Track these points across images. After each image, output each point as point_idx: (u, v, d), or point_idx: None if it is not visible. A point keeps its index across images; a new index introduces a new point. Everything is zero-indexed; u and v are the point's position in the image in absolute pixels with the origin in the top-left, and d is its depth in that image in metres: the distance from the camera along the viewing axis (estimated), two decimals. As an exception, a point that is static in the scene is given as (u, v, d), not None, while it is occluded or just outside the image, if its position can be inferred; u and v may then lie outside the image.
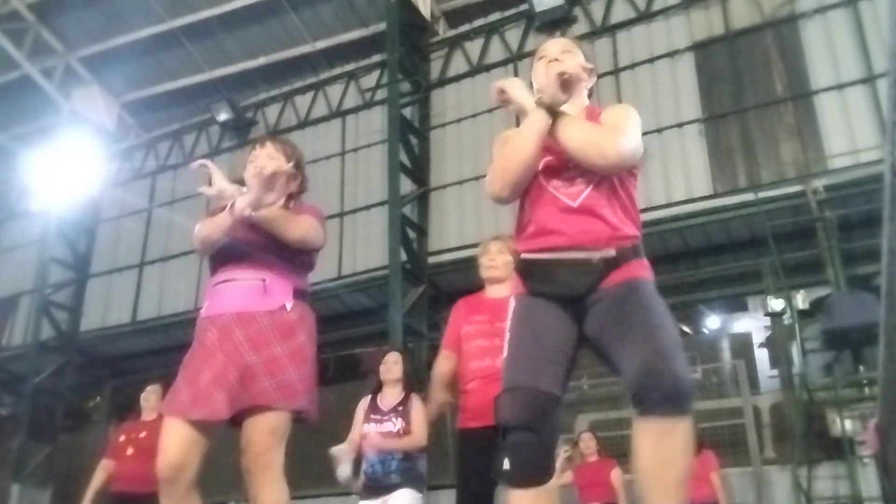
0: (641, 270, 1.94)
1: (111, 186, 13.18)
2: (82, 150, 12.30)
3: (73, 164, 12.16)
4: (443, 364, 3.31)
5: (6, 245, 14.16)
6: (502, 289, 3.18)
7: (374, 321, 10.05)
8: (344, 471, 3.89)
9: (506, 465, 1.79)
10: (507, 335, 1.97)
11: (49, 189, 12.33)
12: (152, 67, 12.44)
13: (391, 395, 3.92)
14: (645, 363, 1.72)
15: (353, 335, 10.51)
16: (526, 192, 2.05)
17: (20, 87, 12.68)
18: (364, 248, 10.17)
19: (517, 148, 1.99)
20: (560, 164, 2.00)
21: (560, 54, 2.17)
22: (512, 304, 2.04)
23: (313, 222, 2.38)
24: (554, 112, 1.98)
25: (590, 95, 2.27)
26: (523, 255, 2.03)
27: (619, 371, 1.83)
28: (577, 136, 1.94)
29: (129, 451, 4.73)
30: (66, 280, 12.77)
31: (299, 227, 2.32)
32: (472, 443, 3.02)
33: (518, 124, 2.15)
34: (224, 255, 2.34)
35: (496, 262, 3.25)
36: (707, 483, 5.73)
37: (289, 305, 2.29)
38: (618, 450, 6.60)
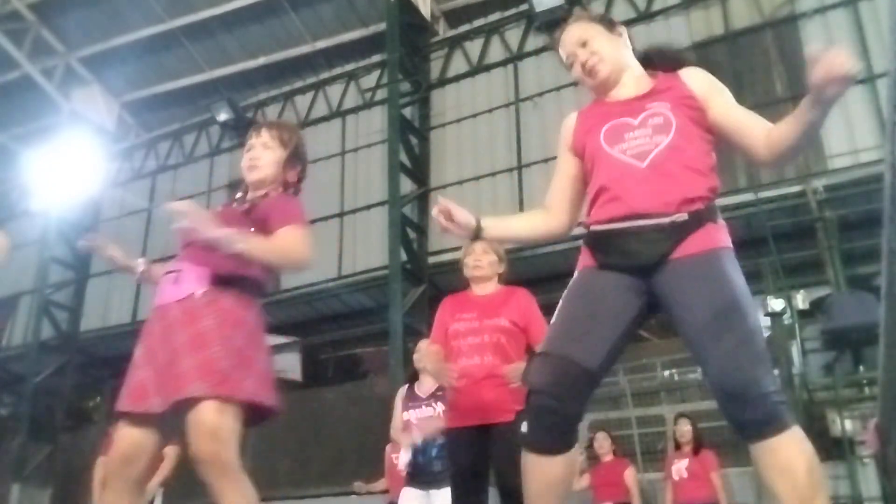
0: (718, 237, 1.82)
1: (111, 186, 13.18)
2: (82, 150, 12.30)
3: (73, 164, 12.15)
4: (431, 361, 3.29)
5: (6, 245, 14.14)
6: (489, 287, 3.21)
7: (374, 321, 10.05)
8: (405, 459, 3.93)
9: (524, 427, 1.77)
10: (561, 301, 1.89)
11: (49, 189, 12.32)
12: (152, 67, 12.45)
13: (428, 382, 3.96)
14: (732, 385, 1.63)
15: (353, 335, 10.52)
16: (592, 162, 1.95)
17: (20, 87, 12.69)
18: (364, 248, 10.17)
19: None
20: (622, 127, 1.91)
21: (587, 54, 2.08)
22: (575, 276, 1.94)
23: (292, 238, 2.17)
24: None
25: (634, 51, 2.13)
26: (592, 227, 1.91)
27: (697, 361, 1.77)
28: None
29: None
30: (66, 280, 12.78)
31: (279, 252, 2.16)
32: (459, 443, 3.02)
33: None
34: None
35: (481, 262, 3.23)
36: (707, 483, 5.73)
37: (199, 292, 2.12)
38: (618, 450, 6.62)
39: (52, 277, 12.59)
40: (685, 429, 5.95)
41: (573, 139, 2.05)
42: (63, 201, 12.34)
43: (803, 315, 7.45)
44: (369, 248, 10.05)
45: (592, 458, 6.52)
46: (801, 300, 7.50)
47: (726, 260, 1.79)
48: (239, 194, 2.46)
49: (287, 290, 10.66)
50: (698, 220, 1.79)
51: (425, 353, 3.75)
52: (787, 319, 7.47)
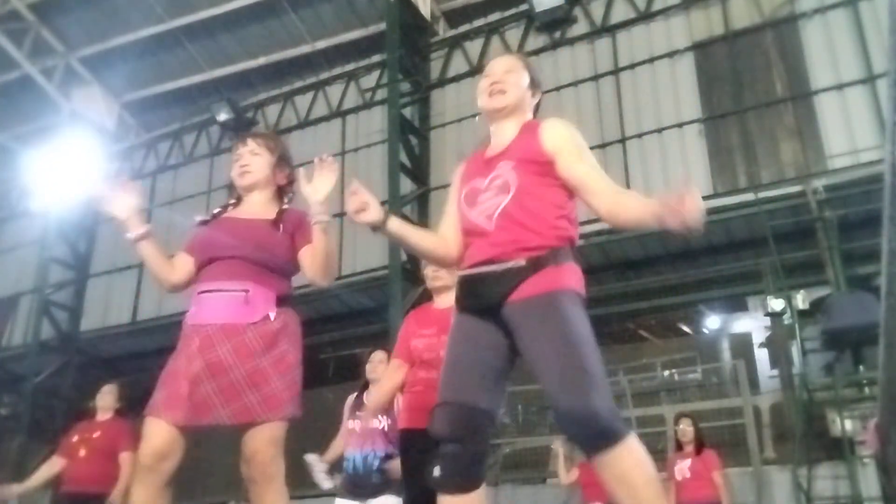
0: (559, 280, 1.95)
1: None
2: (82, 150, 12.29)
3: (73, 164, 12.15)
4: (395, 374, 3.32)
5: (6, 245, 14.16)
6: (449, 298, 3.19)
7: (374, 321, 10.05)
8: (320, 477, 4.01)
9: (436, 472, 1.93)
10: (446, 349, 2.07)
11: (49, 189, 12.32)
12: (152, 67, 12.44)
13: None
14: (565, 406, 1.81)
15: (353, 335, 10.52)
16: (459, 217, 2.18)
17: (20, 87, 12.69)
18: (364, 248, 10.16)
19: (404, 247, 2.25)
20: (475, 191, 2.12)
21: (503, 74, 2.21)
22: (452, 320, 2.13)
23: (332, 249, 2.43)
24: None
25: (536, 111, 2.29)
26: (458, 273, 2.15)
27: (544, 393, 1.92)
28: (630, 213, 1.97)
29: (82, 451, 4.65)
30: (66, 280, 12.78)
31: (332, 264, 2.41)
32: (415, 443, 3.04)
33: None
34: (208, 262, 2.34)
35: (439, 273, 3.31)
36: (710, 483, 5.71)
37: (272, 315, 2.29)
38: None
39: (52, 277, 12.59)
40: (687, 429, 5.94)
41: (458, 191, 2.23)
42: (63, 201, 12.34)
43: (803, 315, 7.44)
44: (369, 248, 10.04)
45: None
46: (801, 300, 7.50)
47: (562, 299, 1.93)
48: (231, 201, 2.54)
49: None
50: (536, 265, 1.95)
51: (376, 366, 3.91)
52: (787, 319, 7.47)
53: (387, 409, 3.75)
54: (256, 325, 2.25)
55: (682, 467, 5.85)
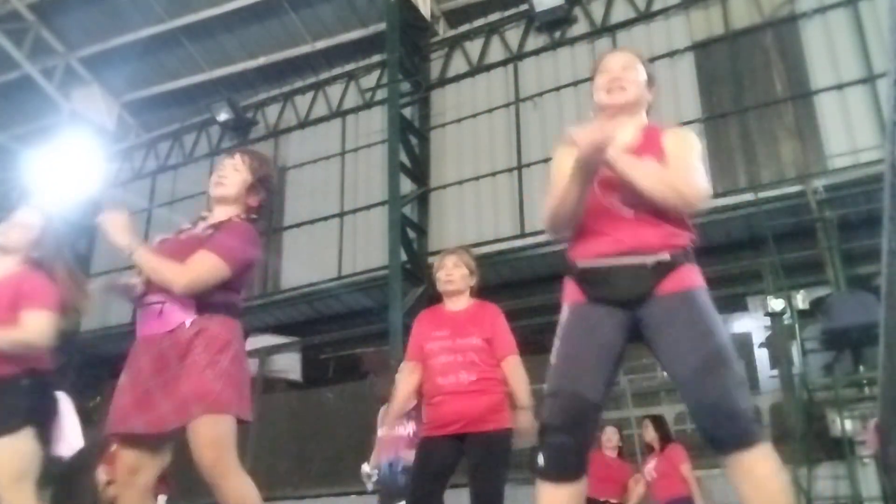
0: (695, 278, 2.01)
1: (111, 186, 13.18)
2: (82, 150, 12.29)
3: (73, 164, 12.15)
4: (410, 376, 3.34)
5: (6, 245, 14.14)
6: (461, 301, 3.31)
7: (374, 321, 10.05)
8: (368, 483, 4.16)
9: (540, 461, 1.94)
10: (558, 340, 2.05)
11: (49, 189, 12.32)
12: (152, 67, 12.44)
13: None
14: (710, 405, 1.82)
15: (353, 335, 10.51)
16: (584, 199, 2.08)
17: (20, 87, 12.68)
18: (364, 248, 10.17)
19: (564, 199, 2.04)
20: (617, 179, 2.03)
21: (622, 71, 2.19)
22: (564, 311, 2.09)
23: (208, 264, 2.32)
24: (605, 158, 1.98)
25: (649, 111, 2.28)
26: (580, 262, 2.07)
27: (677, 386, 1.95)
28: (651, 181, 1.97)
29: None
30: (66, 280, 12.75)
31: (181, 276, 2.29)
32: (435, 447, 3.10)
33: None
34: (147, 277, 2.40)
35: (453, 276, 3.32)
36: (677, 480, 5.70)
37: (188, 322, 2.30)
38: (624, 451, 6.60)
39: (52, 277, 12.57)
40: (649, 430, 6.01)
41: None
42: (63, 201, 12.33)
43: (803, 315, 7.44)
44: (369, 248, 10.05)
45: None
46: (801, 300, 7.50)
47: (704, 297, 2.00)
48: (204, 213, 2.59)
49: (287, 290, 10.67)
50: (677, 261, 1.99)
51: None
52: (787, 319, 7.47)
53: (410, 414, 3.84)
54: (172, 334, 2.29)
55: (650, 468, 5.88)
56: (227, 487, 2.20)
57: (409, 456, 3.68)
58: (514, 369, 3.17)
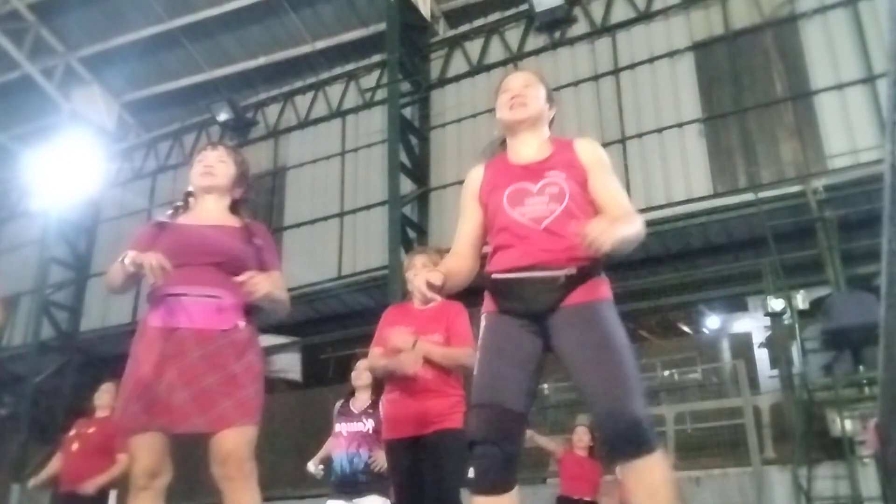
0: (601, 290, 2.08)
1: (111, 186, 13.19)
2: (82, 150, 12.30)
3: (73, 164, 12.16)
4: (375, 360, 3.43)
5: (6, 245, 14.16)
6: (426, 302, 3.26)
7: (374, 321, 10.00)
8: (315, 472, 4.39)
9: (471, 473, 1.97)
10: (478, 353, 2.11)
11: (49, 189, 12.33)
12: (152, 67, 12.45)
13: (362, 400, 4.16)
14: (607, 410, 1.90)
15: (353, 335, 10.49)
16: (494, 217, 2.17)
17: (20, 87, 12.69)
18: (364, 248, 10.17)
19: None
20: (522, 192, 2.14)
21: (523, 88, 2.28)
22: (482, 321, 2.15)
23: (283, 284, 2.48)
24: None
25: (550, 125, 2.37)
26: (493, 275, 2.13)
27: (583, 396, 2.01)
28: (626, 237, 2.00)
29: (75, 446, 4.74)
30: (66, 280, 12.78)
31: (284, 297, 2.46)
32: (396, 454, 3.16)
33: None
34: (176, 266, 2.28)
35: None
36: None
37: (241, 325, 2.33)
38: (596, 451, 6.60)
39: (52, 277, 12.59)
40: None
41: (480, 192, 2.25)
42: (63, 201, 12.34)
43: (803, 315, 7.44)
44: (369, 248, 10.05)
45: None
46: (801, 300, 7.50)
47: (607, 308, 2.06)
48: (179, 203, 2.55)
49: (287, 290, 10.67)
50: (584, 274, 2.04)
51: (361, 373, 4.11)
52: (787, 319, 7.47)
53: (370, 411, 4.00)
54: (228, 333, 2.29)
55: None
56: (247, 485, 2.21)
57: (376, 455, 3.78)
58: (466, 359, 3.15)
